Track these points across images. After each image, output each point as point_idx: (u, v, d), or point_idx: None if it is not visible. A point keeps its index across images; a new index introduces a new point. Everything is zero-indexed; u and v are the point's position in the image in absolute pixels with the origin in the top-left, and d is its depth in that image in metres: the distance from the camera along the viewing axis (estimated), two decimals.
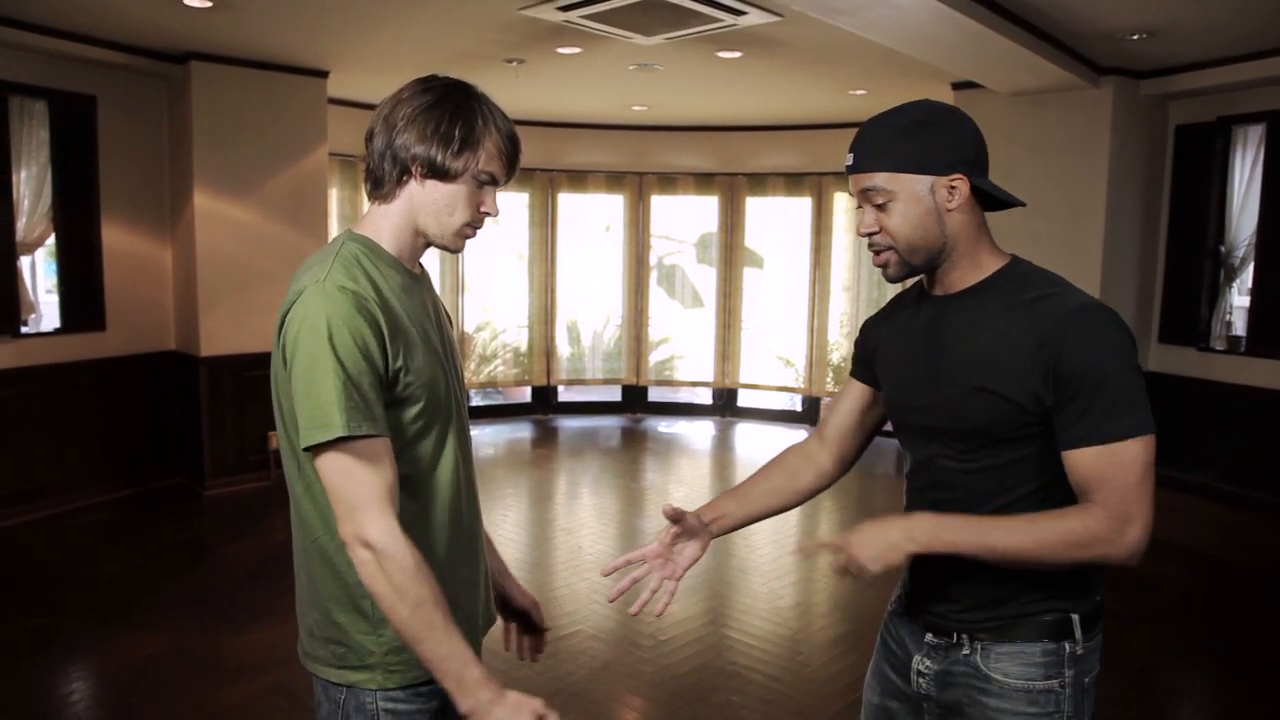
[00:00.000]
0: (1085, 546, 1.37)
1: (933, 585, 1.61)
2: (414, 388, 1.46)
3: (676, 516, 1.69)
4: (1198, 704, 3.69)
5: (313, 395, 1.35)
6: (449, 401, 1.56)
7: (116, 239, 5.78)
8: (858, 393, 1.80)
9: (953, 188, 1.47)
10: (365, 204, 1.59)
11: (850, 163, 1.52)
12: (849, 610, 4.37)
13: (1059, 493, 1.46)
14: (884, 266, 1.54)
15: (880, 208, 1.49)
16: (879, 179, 1.48)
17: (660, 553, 1.73)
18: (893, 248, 1.51)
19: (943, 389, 1.53)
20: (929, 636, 1.62)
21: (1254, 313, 5.68)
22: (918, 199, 1.47)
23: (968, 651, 1.56)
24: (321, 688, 1.55)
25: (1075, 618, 1.51)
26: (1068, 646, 1.51)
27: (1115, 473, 1.36)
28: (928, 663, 1.62)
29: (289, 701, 3.36)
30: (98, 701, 3.41)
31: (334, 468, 1.37)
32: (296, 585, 1.60)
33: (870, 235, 1.52)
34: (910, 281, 1.61)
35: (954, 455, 1.54)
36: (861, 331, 1.81)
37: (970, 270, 1.54)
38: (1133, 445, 1.36)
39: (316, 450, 1.37)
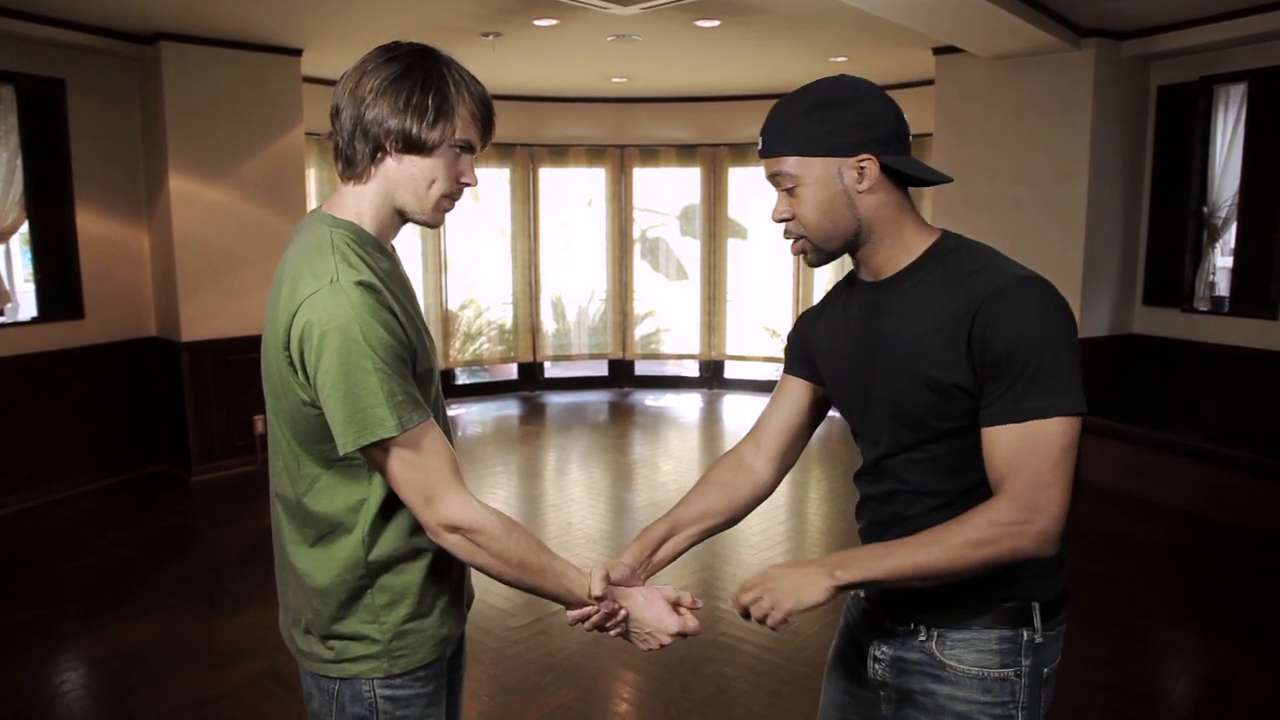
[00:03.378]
0: (994, 542, 1.31)
1: None
2: (420, 370, 1.44)
3: (602, 593, 1.53)
4: (1186, 662, 3.73)
5: (355, 397, 1.31)
6: (436, 379, 1.55)
7: (92, 225, 5.70)
8: (799, 390, 1.71)
9: (861, 169, 1.41)
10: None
11: (760, 146, 1.48)
12: None
13: None
14: (801, 254, 1.52)
15: (790, 192, 1.45)
16: (787, 164, 1.44)
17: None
18: (805, 235, 1.47)
19: (888, 380, 1.47)
20: (887, 623, 1.57)
21: (1237, 273, 5.70)
22: (826, 182, 1.42)
23: (923, 638, 1.51)
24: (313, 680, 1.54)
25: (1036, 605, 1.46)
26: (1025, 634, 1.46)
27: (1029, 456, 1.31)
28: (885, 648, 1.58)
29: (281, 686, 3.36)
30: (89, 691, 3.40)
31: (397, 463, 1.36)
32: (282, 585, 1.57)
33: (784, 221, 1.48)
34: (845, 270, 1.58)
35: (904, 447, 1.48)
36: (795, 328, 1.74)
37: (897, 252, 1.48)
38: (1053, 425, 1.31)
39: (371, 450, 1.35)
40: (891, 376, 1.46)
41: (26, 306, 5.94)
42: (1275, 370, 5.37)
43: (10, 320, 5.60)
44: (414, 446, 1.35)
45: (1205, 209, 5.78)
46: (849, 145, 1.41)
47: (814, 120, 1.41)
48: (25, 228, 5.52)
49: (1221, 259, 6.00)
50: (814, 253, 1.50)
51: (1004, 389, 1.33)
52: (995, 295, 1.34)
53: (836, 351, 1.60)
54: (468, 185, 1.51)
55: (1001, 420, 1.34)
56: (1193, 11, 5.12)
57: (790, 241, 1.51)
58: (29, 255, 5.76)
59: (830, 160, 1.42)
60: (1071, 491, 1.34)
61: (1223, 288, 5.89)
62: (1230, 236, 5.77)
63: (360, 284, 1.33)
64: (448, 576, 1.55)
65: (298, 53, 6.13)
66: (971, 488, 1.42)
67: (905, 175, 1.45)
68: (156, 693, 3.34)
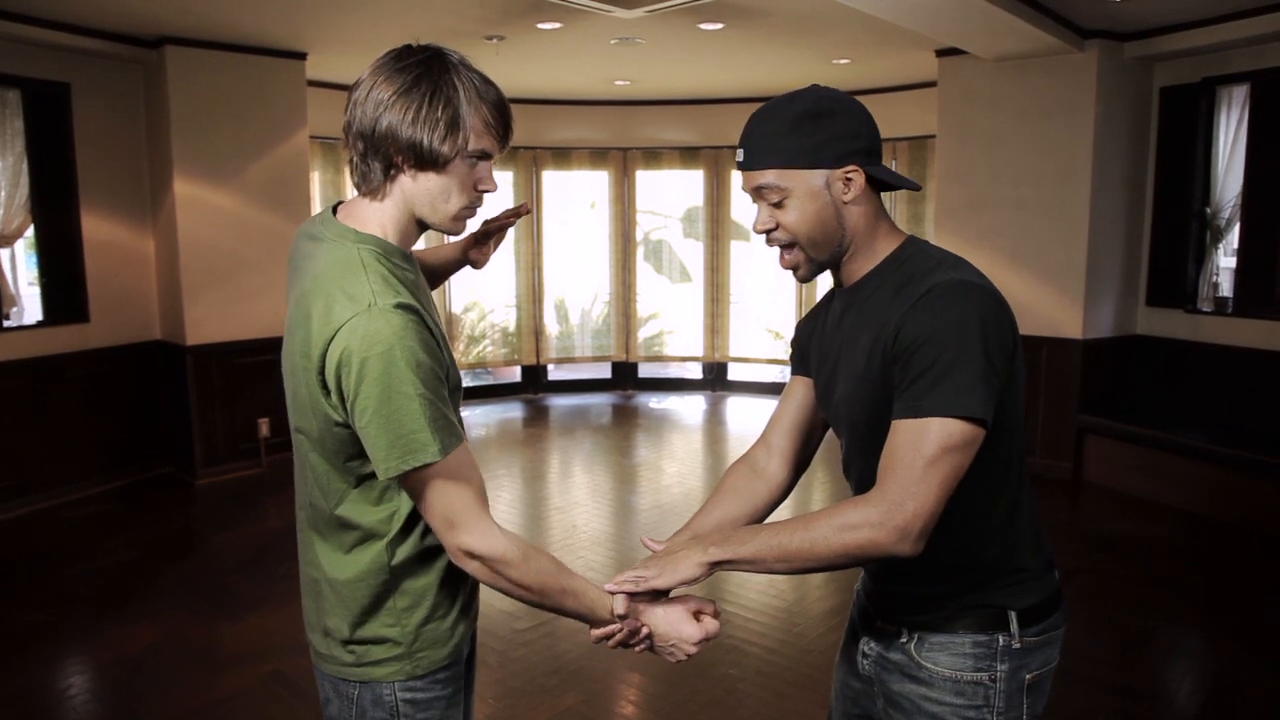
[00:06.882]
0: (854, 529, 1.32)
1: (880, 575, 1.60)
2: (451, 385, 1.43)
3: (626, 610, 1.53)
4: (1192, 662, 3.73)
5: (398, 423, 1.30)
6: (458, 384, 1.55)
7: (97, 229, 5.71)
8: (802, 389, 1.73)
9: (848, 179, 1.42)
10: (348, 187, 1.48)
11: (741, 159, 1.46)
12: (844, 581, 4.39)
13: (971, 490, 1.38)
14: (794, 268, 1.50)
15: (776, 205, 1.45)
16: (771, 176, 1.42)
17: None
18: (795, 243, 1.46)
19: (844, 384, 1.51)
20: (879, 622, 1.60)
21: (1240, 273, 5.69)
22: (813, 194, 1.42)
23: (905, 639, 1.54)
24: (331, 685, 1.54)
25: (1012, 613, 1.46)
26: (1001, 640, 1.46)
27: (907, 451, 1.31)
28: (873, 644, 1.61)
29: (288, 689, 3.36)
30: (95, 695, 3.40)
31: (428, 487, 1.36)
32: (306, 597, 1.57)
33: (768, 232, 1.47)
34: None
35: (860, 450, 1.50)
36: (795, 331, 1.77)
37: (866, 258, 1.49)
38: (933, 424, 1.30)
39: (408, 473, 1.35)
40: (845, 381, 1.50)
41: (32, 310, 5.95)
42: (1278, 371, 5.37)
43: (16, 324, 5.61)
44: (448, 472, 1.35)
45: (1208, 210, 5.77)
46: (835, 156, 1.41)
47: (802, 132, 1.40)
48: (30, 231, 5.53)
49: (1225, 260, 6.00)
50: (807, 264, 1.50)
51: (906, 385, 1.34)
52: (918, 299, 1.36)
53: (817, 354, 1.64)
54: (488, 192, 1.48)
55: (897, 415, 1.35)
56: (1195, 13, 5.12)
57: (780, 256, 1.51)
58: (34, 259, 5.78)
59: (817, 172, 1.41)
60: (946, 494, 1.32)
61: (1226, 288, 5.89)
62: (1233, 237, 5.77)
63: (399, 306, 1.32)
64: (463, 577, 1.55)
65: (302, 56, 6.14)
66: None
67: (881, 182, 1.47)
68: (162, 696, 3.35)
